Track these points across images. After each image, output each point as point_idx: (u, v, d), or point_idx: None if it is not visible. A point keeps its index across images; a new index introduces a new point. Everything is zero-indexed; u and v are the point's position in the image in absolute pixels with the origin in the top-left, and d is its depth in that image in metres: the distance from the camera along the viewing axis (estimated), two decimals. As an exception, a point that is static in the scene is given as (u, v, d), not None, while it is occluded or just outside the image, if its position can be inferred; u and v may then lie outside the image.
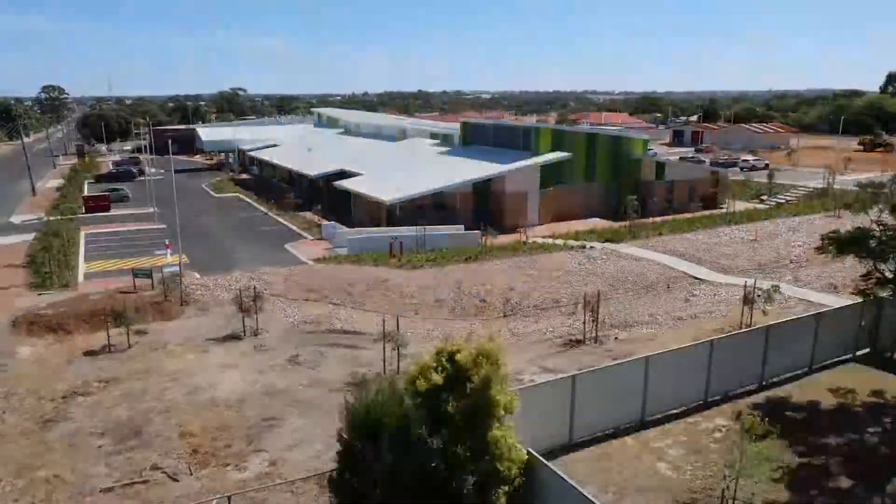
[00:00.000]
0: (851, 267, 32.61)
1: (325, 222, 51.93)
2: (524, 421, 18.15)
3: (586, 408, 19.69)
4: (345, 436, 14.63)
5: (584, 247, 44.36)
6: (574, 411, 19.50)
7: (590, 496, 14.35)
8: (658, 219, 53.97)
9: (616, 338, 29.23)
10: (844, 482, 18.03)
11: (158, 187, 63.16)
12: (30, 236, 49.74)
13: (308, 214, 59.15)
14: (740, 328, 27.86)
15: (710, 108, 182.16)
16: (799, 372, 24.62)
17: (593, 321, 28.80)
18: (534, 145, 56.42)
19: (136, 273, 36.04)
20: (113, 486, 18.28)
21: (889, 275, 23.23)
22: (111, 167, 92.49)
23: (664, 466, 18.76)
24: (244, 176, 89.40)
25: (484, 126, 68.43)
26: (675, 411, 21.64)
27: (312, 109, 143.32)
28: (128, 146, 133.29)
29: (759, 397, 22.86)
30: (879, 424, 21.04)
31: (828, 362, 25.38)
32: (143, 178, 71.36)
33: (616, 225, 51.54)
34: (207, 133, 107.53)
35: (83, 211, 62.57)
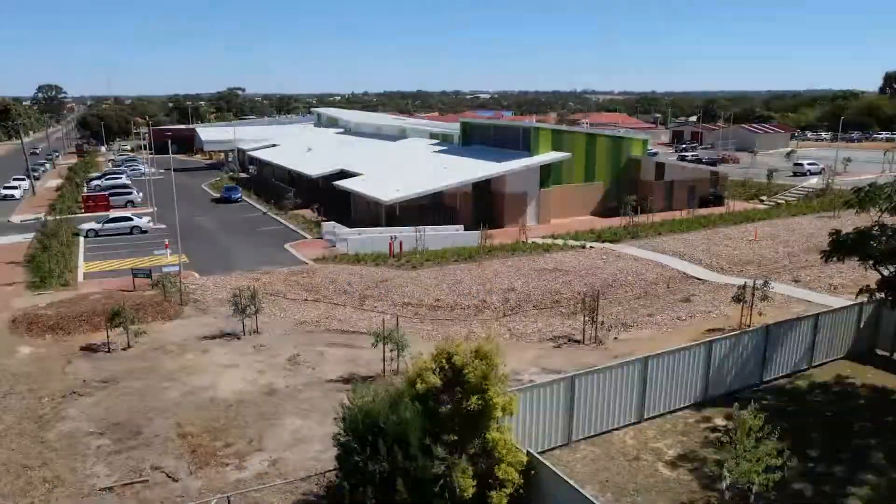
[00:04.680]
0: (851, 267, 32.63)
1: (324, 222, 51.90)
2: (523, 421, 18.21)
3: (586, 408, 19.76)
4: (341, 439, 14.59)
5: (583, 247, 44.40)
6: (573, 411, 19.55)
7: (590, 496, 14.35)
8: (657, 218, 54.00)
9: (615, 338, 29.25)
10: (843, 482, 18.03)
11: (157, 187, 63.11)
12: (29, 236, 49.80)
13: (307, 214, 59.12)
14: (740, 328, 27.91)
15: (708, 109, 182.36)
16: (798, 371, 24.68)
17: (592, 321, 28.83)
18: (533, 145, 56.38)
19: (135, 273, 36.04)
20: (113, 486, 18.28)
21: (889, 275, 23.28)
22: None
23: (664, 466, 18.77)
24: (244, 176, 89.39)
25: (484, 126, 68.37)
26: (675, 411, 21.68)
27: (312, 109, 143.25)
28: (127, 146, 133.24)
29: (758, 396, 22.85)
30: (878, 424, 21.07)
31: (827, 362, 25.46)
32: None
33: (615, 225, 51.55)
34: (207, 133, 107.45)
35: (82, 210, 62.54)
